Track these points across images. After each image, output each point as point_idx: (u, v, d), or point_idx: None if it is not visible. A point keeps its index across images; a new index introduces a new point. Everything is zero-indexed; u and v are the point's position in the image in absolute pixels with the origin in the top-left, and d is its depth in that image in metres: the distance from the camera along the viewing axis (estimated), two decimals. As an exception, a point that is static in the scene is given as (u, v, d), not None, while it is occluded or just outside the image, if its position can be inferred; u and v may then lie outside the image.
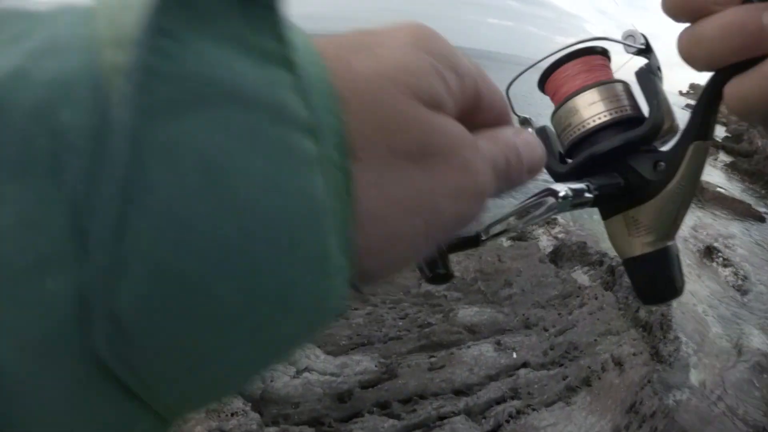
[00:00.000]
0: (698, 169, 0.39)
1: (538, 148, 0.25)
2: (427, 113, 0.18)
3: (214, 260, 0.12)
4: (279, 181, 0.13)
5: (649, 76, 0.43)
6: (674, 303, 3.63)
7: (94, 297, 0.11)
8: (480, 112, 0.22)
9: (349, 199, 0.15)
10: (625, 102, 0.43)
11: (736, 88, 0.31)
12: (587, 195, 0.38)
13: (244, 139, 0.13)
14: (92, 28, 0.13)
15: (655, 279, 0.43)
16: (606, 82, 0.44)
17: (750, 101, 0.30)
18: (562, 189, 0.35)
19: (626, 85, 0.44)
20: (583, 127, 0.43)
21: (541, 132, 0.47)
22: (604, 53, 0.45)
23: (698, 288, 4.04)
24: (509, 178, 0.23)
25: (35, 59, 0.12)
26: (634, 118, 0.43)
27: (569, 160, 0.44)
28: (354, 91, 0.16)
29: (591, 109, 0.43)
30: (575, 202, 0.37)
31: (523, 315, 2.74)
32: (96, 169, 0.11)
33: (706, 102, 0.37)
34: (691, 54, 0.32)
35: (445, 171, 0.18)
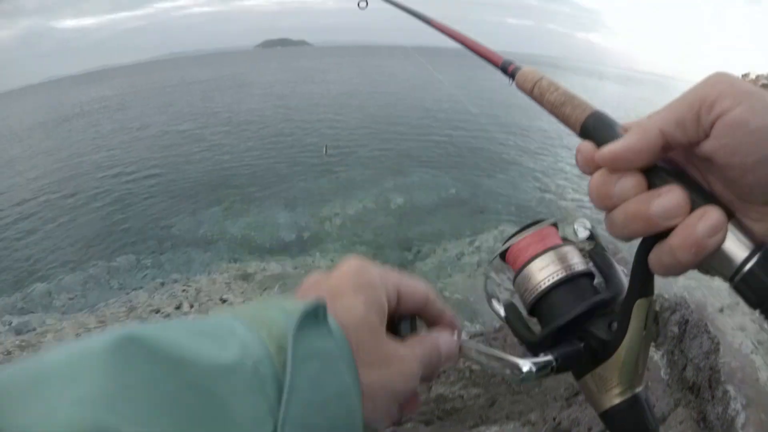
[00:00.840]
0: (645, 322, 0.44)
1: (453, 345, 0.46)
2: (384, 339, 0.41)
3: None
4: (337, 377, 0.35)
5: (602, 253, 0.51)
6: (721, 347, 3.31)
7: None
8: (404, 303, 0.45)
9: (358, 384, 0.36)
10: (572, 261, 0.49)
11: (653, 258, 0.39)
12: (549, 368, 0.45)
13: (326, 383, 0.33)
14: (260, 336, 0.33)
15: (629, 427, 0.46)
16: (553, 247, 0.50)
17: (665, 267, 0.39)
18: (526, 365, 0.43)
19: (574, 246, 0.51)
20: (537, 289, 0.49)
21: (509, 306, 0.53)
22: (552, 224, 0.53)
23: (746, 322, 3.70)
24: (432, 366, 0.44)
25: (242, 355, 0.30)
26: (585, 273, 0.49)
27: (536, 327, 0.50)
28: (351, 331, 0.38)
29: (542, 273, 0.49)
30: (540, 375, 0.44)
31: (554, 420, 2.37)
32: (273, 393, 0.31)
33: (640, 265, 0.42)
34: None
35: (393, 372, 0.40)
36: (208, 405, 0.26)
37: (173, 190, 12.14)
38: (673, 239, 0.37)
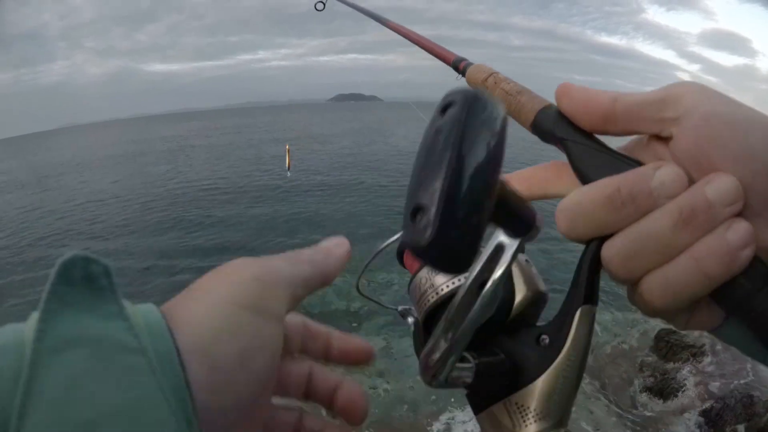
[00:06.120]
0: (588, 336, 0.36)
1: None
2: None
3: None
4: (118, 381, 0.22)
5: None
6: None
7: None
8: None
9: (187, 386, 0.24)
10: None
11: (654, 281, 0.33)
12: (465, 367, 0.36)
13: (94, 360, 0.22)
14: (29, 319, 0.23)
15: None
16: None
17: (673, 288, 0.32)
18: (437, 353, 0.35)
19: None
20: (437, 293, 0.41)
21: (416, 324, 0.44)
22: None
23: None
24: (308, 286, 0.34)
25: None
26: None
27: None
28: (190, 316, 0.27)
29: (442, 276, 0.41)
30: (453, 375, 0.35)
31: None
32: (13, 390, 0.20)
33: (588, 266, 0.36)
34: (629, 265, 0.33)
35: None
36: None
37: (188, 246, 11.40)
38: (697, 248, 0.31)
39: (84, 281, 0.24)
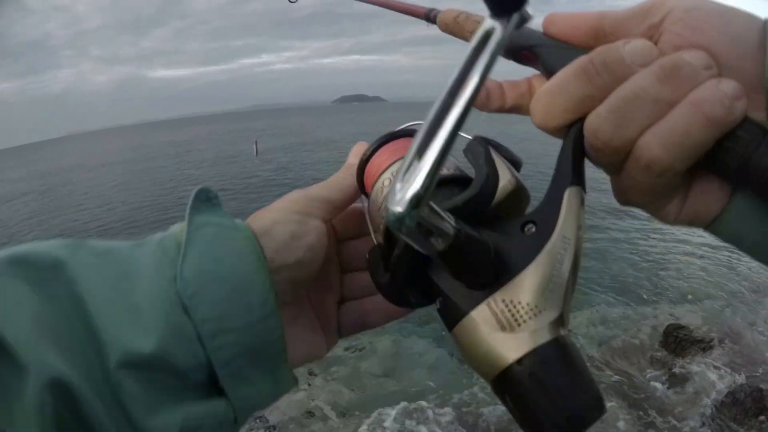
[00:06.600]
0: (578, 218, 0.32)
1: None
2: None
3: (205, 275, 0.37)
4: (232, 242, 0.39)
5: (477, 145, 0.37)
6: None
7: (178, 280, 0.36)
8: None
9: (261, 249, 0.40)
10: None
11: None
12: (443, 217, 0.28)
13: (218, 234, 0.40)
14: (172, 227, 0.41)
15: (565, 383, 0.29)
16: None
17: (655, 156, 0.31)
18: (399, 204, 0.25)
19: None
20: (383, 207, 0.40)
21: (373, 251, 0.40)
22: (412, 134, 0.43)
23: None
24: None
25: (150, 237, 0.41)
26: (455, 179, 0.39)
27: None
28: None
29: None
30: (431, 219, 0.27)
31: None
32: (177, 252, 0.38)
33: (572, 148, 0.34)
34: (612, 135, 0.32)
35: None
36: (123, 268, 0.37)
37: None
38: (693, 95, 0.30)
39: (207, 199, 0.42)
